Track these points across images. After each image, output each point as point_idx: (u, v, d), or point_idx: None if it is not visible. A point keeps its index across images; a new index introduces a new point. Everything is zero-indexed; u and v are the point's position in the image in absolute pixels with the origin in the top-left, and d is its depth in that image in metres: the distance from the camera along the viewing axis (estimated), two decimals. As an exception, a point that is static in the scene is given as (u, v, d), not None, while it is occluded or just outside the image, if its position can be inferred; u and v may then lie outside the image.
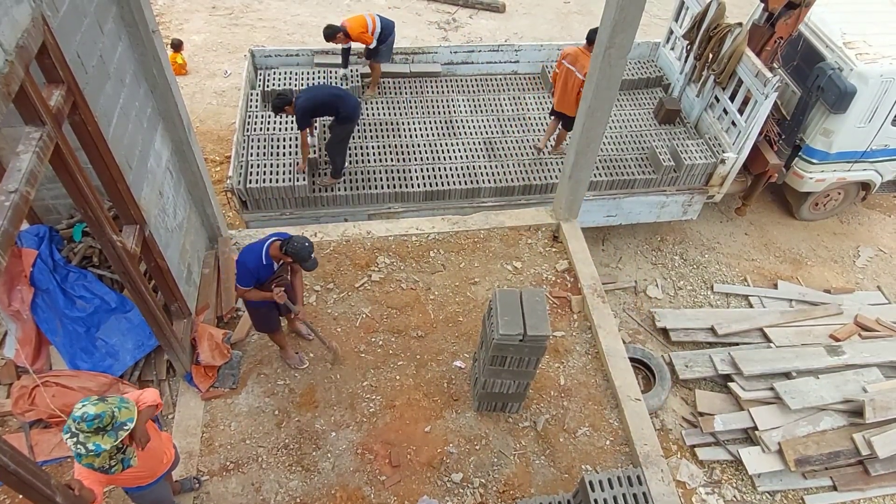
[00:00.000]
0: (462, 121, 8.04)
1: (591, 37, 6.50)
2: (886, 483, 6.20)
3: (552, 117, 7.56)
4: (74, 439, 2.96)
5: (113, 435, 3.00)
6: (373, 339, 5.49)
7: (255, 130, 7.36)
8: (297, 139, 7.13)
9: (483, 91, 8.59)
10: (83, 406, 2.97)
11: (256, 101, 7.74)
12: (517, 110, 8.30)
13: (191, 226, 5.53)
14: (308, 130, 6.59)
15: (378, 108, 8.07)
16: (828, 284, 8.03)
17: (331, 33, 7.31)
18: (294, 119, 6.50)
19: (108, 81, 3.96)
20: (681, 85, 8.33)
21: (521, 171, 7.40)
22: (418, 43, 10.91)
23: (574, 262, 6.19)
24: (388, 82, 8.43)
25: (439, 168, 7.33)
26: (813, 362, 6.67)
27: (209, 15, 11.55)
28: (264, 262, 4.25)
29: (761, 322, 7.20)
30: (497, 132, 7.94)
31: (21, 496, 2.69)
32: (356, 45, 7.72)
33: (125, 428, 3.05)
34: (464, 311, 5.79)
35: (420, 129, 7.86)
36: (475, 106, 8.30)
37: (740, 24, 7.21)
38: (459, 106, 8.27)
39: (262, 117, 7.50)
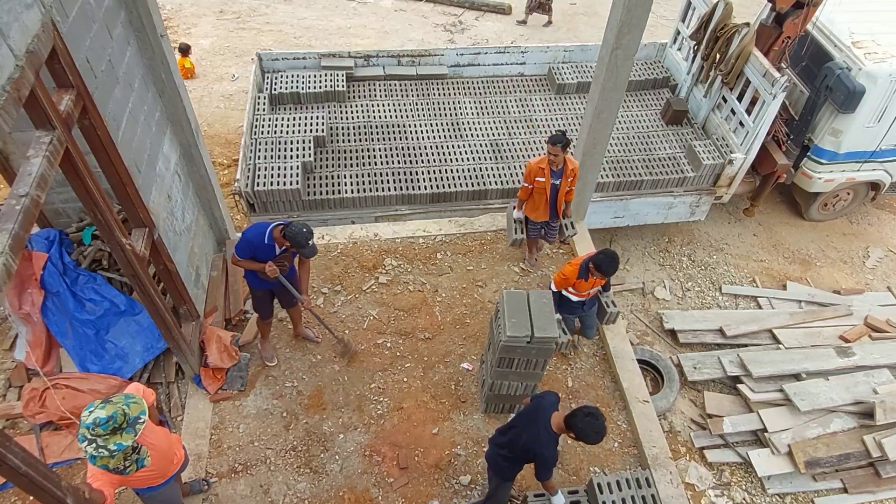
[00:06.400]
0: (468, 122, 8.05)
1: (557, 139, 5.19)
2: (898, 485, 6.15)
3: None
4: (94, 444, 2.97)
5: (131, 431, 3.03)
6: (380, 342, 5.50)
7: (262, 134, 7.38)
8: (301, 140, 7.16)
9: (489, 93, 8.59)
10: (91, 412, 2.97)
11: (264, 104, 7.76)
12: (524, 112, 8.30)
13: (199, 229, 5.56)
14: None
15: (385, 111, 8.08)
16: (837, 285, 7.97)
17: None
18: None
19: (117, 86, 3.99)
20: (688, 85, 8.31)
21: (527, 172, 7.40)
22: (425, 45, 10.91)
23: (581, 264, 6.16)
24: (395, 84, 8.44)
25: (446, 170, 7.33)
26: (822, 364, 6.62)
27: (216, 19, 11.62)
28: (266, 242, 4.30)
29: (770, 323, 7.16)
30: (503, 134, 7.94)
31: (32, 498, 2.71)
32: None
33: (140, 422, 3.07)
34: (471, 312, 5.79)
35: (427, 131, 7.86)
36: (481, 108, 8.31)
37: (748, 24, 7.19)
38: (466, 108, 8.27)
39: (270, 120, 7.52)
